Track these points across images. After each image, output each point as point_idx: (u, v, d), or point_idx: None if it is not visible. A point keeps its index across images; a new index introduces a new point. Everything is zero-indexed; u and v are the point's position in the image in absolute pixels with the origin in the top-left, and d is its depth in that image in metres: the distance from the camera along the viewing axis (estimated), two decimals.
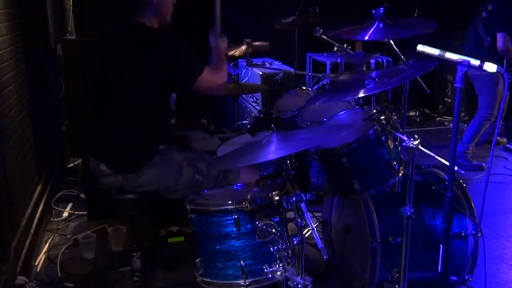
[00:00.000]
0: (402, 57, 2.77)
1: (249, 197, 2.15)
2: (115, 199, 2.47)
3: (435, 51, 2.00)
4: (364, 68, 3.36)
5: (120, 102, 2.40)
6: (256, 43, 3.60)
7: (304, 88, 3.40)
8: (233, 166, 2.48)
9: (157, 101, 2.43)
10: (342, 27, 2.73)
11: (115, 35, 2.51)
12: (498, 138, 5.08)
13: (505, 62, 4.23)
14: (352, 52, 3.50)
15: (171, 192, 2.46)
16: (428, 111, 6.33)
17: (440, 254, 2.05)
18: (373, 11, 2.51)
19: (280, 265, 1.99)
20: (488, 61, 1.93)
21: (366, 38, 2.49)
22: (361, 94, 2.12)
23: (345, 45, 3.36)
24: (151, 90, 2.38)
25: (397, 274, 2.25)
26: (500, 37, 4.16)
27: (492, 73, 2.00)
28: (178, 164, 2.46)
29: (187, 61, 2.41)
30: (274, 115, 3.09)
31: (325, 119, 2.58)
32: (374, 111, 2.49)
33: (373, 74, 2.22)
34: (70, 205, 3.74)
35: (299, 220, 1.92)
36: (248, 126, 4.10)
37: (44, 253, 3.12)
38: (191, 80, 2.41)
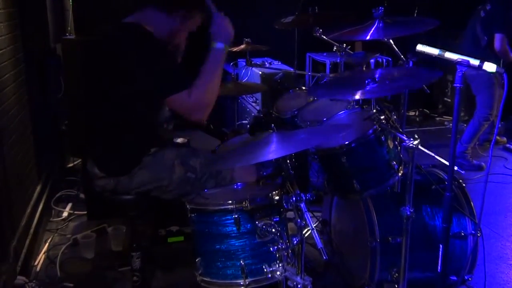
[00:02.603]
0: (402, 57, 2.77)
1: (249, 196, 2.15)
2: (115, 199, 2.47)
3: (434, 51, 2.00)
4: (364, 68, 3.36)
5: (111, 104, 2.33)
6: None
7: (303, 88, 3.40)
8: (232, 166, 2.47)
9: (147, 104, 2.33)
10: (342, 28, 2.72)
11: (109, 37, 2.47)
12: (497, 137, 5.08)
13: (501, 62, 4.23)
14: (351, 52, 3.50)
15: (165, 192, 2.44)
16: (427, 111, 6.34)
17: (440, 254, 2.05)
18: (373, 11, 2.52)
19: (280, 264, 1.99)
20: (486, 61, 1.93)
21: (367, 38, 2.49)
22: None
23: (345, 45, 3.35)
24: (140, 93, 2.27)
25: (396, 274, 2.25)
26: (498, 38, 4.15)
27: (489, 73, 1.99)
28: (169, 162, 2.41)
29: (168, 71, 2.23)
30: (273, 115, 3.10)
31: (324, 119, 2.58)
32: (374, 110, 2.49)
33: (375, 74, 2.21)
34: (69, 205, 3.74)
35: (299, 220, 1.92)
36: (248, 126, 4.11)
37: (44, 253, 3.12)
38: (165, 94, 2.22)
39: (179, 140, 2.89)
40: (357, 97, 2.11)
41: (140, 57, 2.24)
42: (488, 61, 1.92)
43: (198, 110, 2.23)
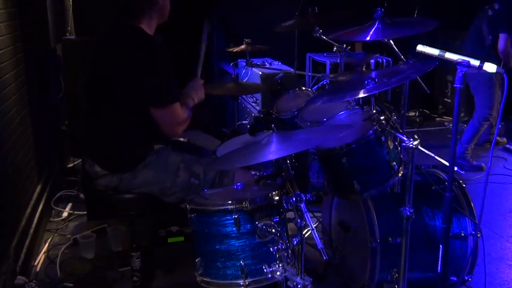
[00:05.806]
0: (402, 57, 2.77)
1: (249, 197, 2.15)
2: (115, 199, 2.47)
3: (434, 51, 2.00)
4: (364, 68, 3.36)
5: (111, 102, 2.36)
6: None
7: (303, 88, 3.40)
8: (232, 167, 2.47)
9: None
10: (342, 29, 2.72)
11: (110, 37, 2.48)
12: (497, 138, 5.08)
13: (501, 64, 4.21)
14: (351, 52, 3.49)
15: (166, 195, 2.45)
16: (428, 111, 6.34)
17: (440, 254, 2.05)
18: (373, 12, 2.52)
19: (280, 265, 1.99)
20: (487, 61, 1.92)
21: (367, 38, 2.49)
22: (361, 95, 2.12)
23: (345, 45, 3.35)
24: (142, 91, 2.31)
25: (396, 275, 2.25)
26: (502, 38, 4.13)
27: (490, 73, 1.99)
28: (174, 165, 2.44)
29: (163, 82, 2.30)
30: (273, 116, 3.09)
31: (325, 119, 2.58)
32: (374, 111, 2.49)
33: (373, 74, 2.22)
34: (69, 205, 3.74)
35: (299, 220, 1.92)
36: (248, 126, 4.10)
37: (44, 253, 3.12)
38: (154, 104, 2.31)
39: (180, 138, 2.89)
40: (360, 95, 2.12)
41: (143, 61, 2.27)
42: (490, 61, 1.92)
43: (177, 130, 2.44)
